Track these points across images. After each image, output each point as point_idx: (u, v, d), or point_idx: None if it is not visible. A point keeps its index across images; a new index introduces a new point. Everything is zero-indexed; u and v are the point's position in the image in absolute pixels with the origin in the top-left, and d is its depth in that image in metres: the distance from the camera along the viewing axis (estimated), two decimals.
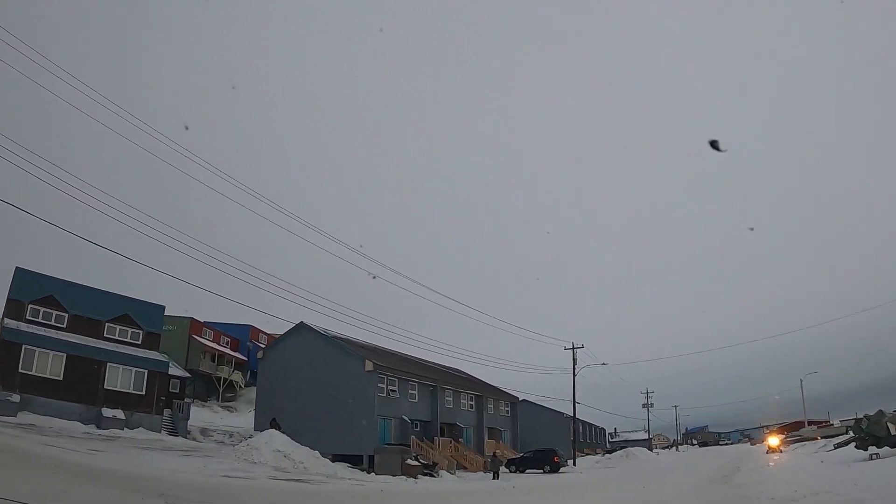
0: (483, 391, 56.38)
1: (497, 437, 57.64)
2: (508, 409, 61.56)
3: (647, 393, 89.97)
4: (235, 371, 64.51)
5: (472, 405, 54.77)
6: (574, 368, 55.08)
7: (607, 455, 63.55)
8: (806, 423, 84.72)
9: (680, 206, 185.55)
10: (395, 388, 44.54)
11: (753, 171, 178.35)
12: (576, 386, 54.87)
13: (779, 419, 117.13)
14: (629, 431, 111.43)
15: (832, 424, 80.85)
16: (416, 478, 33.25)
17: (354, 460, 37.71)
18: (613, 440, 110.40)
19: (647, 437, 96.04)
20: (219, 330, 67.51)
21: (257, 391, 48.39)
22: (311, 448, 31.94)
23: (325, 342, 45.00)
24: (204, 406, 59.34)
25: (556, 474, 42.84)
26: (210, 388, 62.98)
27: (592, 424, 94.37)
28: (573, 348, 55.59)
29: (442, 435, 49.50)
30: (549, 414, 74.10)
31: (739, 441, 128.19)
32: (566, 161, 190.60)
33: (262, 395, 46.37)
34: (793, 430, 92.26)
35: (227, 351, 66.69)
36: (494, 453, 41.12)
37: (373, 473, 33.97)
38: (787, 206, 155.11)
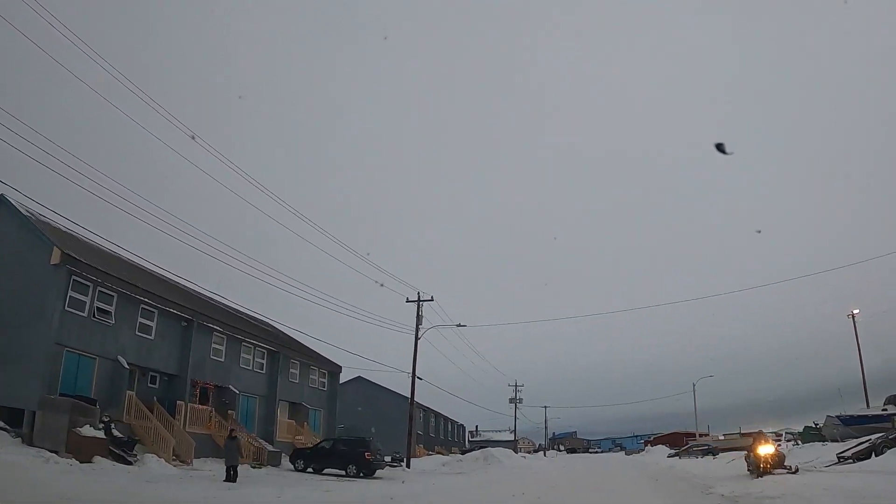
0: (282, 347, 37.09)
1: (303, 418, 38.72)
2: (326, 381, 42.59)
3: (516, 386, 73.50)
4: None
5: (261, 364, 35.43)
6: (418, 328, 37.11)
7: (460, 456, 45.96)
8: (697, 435, 72.27)
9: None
10: (111, 309, 25.01)
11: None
12: (417, 356, 37.01)
13: (654, 430, 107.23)
14: (493, 431, 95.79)
15: (720, 437, 70.47)
16: (90, 461, 19.45)
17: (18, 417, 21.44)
18: (474, 439, 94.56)
19: (513, 439, 79.93)
20: None
21: None
22: None
23: (9, 218, 24.32)
24: None
25: (363, 481, 24.57)
26: None
27: (449, 419, 77.70)
28: (419, 300, 37.62)
29: (202, 401, 30.62)
30: (391, 398, 56.15)
31: (610, 450, 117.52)
32: (567, 164, 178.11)
33: None
34: (678, 442, 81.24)
35: None
36: (232, 432, 22.30)
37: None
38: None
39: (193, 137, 22.41)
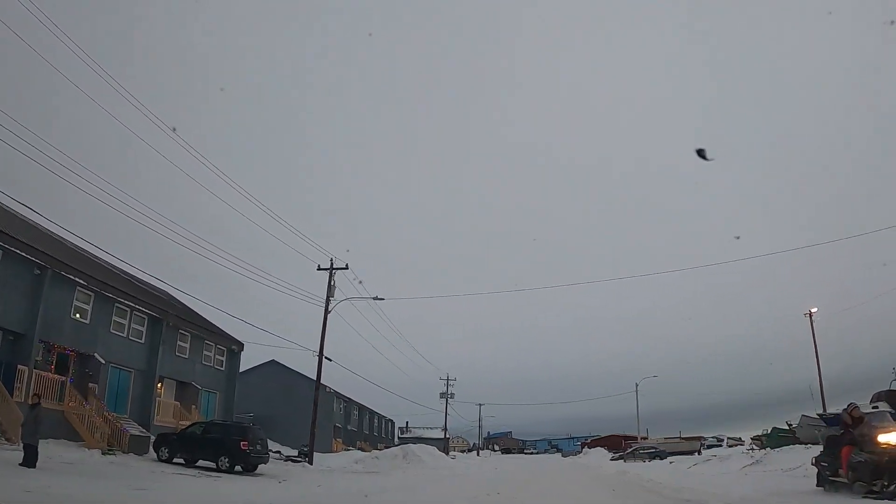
0: (169, 314, 30.78)
1: (192, 400, 32.66)
2: (225, 359, 36.39)
3: (448, 379, 67.96)
4: None
5: (139, 331, 29.16)
6: (328, 301, 31.51)
7: (377, 452, 40.21)
8: (640, 438, 68.71)
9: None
10: None
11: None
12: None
13: (591, 432, 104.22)
14: (424, 428, 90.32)
15: (661, 440, 67.38)
16: None
17: None
18: (404, 436, 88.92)
19: (444, 437, 74.42)
20: None
21: None
22: None
23: None
24: None
25: (230, 478, 18.77)
26: None
27: (377, 413, 72.04)
28: (331, 268, 32.04)
29: (59, 370, 24.61)
30: (309, 386, 49.91)
31: (546, 451, 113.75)
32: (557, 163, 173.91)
33: None
34: (616, 444, 78.04)
35: None
36: (33, 398, 16.44)
37: None
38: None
39: (175, 129, 21.86)
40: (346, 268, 32.10)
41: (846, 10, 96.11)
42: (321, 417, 48.79)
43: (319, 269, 32.30)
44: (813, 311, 47.77)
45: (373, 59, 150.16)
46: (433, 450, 40.67)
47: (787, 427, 34.63)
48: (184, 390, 32.57)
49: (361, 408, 62.35)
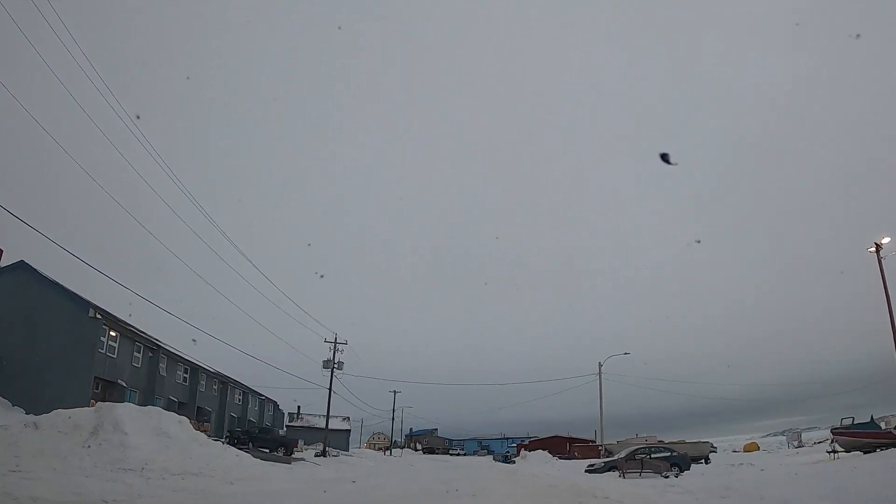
0: None
1: None
2: None
3: (335, 342, 47.22)
4: None
5: None
6: None
7: (42, 419, 20.10)
8: (602, 437, 51.67)
9: None
10: None
11: None
12: None
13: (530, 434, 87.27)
14: (320, 416, 70.12)
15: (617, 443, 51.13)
16: None
17: None
18: (292, 423, 69.58)
19: (325, 426, 52.95)
20: None
21: None
22: None
23: None
24: None
25: None
26: None
27: (245, 387, 53.02)
28: None
29: None
30: (76, 308, 30.49)
31: (476, 452, 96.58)
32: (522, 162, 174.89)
33: None
34: (559, 447, 61.72)
35: None
36: None
37: None
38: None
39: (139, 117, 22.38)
40: None
41: (812, 22, 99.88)
42: (76, 362, 29.35)
43: None
44: (884, 241, 31.19)
45: (344, 53, 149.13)
46: (171, 420, 19.31)
47: None
48: None
49: (201, 372, 42.52)
